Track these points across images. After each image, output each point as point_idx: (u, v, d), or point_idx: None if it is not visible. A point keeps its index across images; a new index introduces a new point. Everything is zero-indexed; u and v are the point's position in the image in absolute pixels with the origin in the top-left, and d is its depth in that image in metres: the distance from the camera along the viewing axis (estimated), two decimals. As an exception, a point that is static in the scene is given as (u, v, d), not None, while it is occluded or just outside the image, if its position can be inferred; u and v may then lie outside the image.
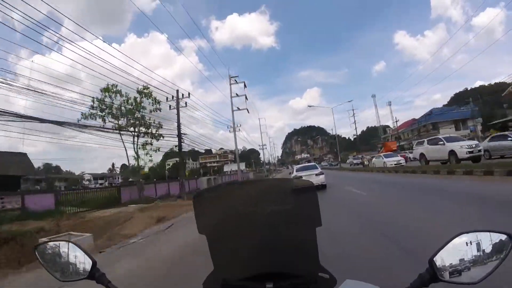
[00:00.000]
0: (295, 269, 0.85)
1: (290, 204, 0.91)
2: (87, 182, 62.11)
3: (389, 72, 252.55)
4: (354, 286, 0.74)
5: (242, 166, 63.37)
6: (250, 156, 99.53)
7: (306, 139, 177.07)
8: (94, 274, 0.80)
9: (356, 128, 49.67)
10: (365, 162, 33.64)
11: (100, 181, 64.44)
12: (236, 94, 23.89)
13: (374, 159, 26.46)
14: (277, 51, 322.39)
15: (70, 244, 0.86)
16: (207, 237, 0.90)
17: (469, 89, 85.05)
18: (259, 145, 43.02)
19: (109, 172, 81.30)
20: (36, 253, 0.86)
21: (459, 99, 73.34)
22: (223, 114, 64.46)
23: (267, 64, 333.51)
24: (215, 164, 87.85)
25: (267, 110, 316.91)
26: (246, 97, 24.43)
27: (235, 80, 23.56)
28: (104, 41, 16.20)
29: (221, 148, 76.62)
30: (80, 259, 0.83)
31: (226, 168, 72.86)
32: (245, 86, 24.86)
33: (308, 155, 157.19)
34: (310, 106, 46.62)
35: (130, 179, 29.07)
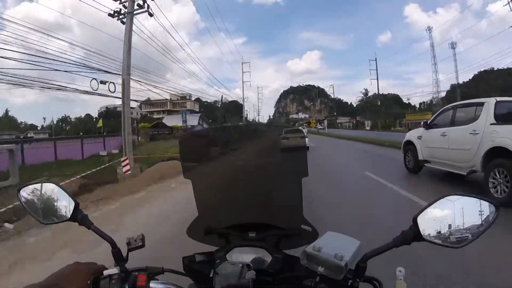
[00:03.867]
0: (279, 221, 0.85)
1: (280, 158, 0.92)
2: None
3: (394, 44, 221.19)
4: (335, 238, 0.74)
5: (194, 120, 44.70)
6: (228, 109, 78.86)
7: (303, 99, 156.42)
8: (76, 215, 0.77)
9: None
10: None
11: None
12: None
13: None
14: (280, 7, 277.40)
15: (53, 186, 0.83)
16: (192, 183, 0.88)
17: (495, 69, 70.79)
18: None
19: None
20: (19, 195, 0.82)
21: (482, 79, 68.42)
22: (217, 73, 43.27)
23: (268, 20, 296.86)
24: (162, 115, 55.23)
25: (264, 69, 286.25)
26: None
27: None
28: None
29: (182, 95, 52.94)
30: (63, 201, 0.80)
31: (168, 122, 41.64)
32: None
33: (307, 115, 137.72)
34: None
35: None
